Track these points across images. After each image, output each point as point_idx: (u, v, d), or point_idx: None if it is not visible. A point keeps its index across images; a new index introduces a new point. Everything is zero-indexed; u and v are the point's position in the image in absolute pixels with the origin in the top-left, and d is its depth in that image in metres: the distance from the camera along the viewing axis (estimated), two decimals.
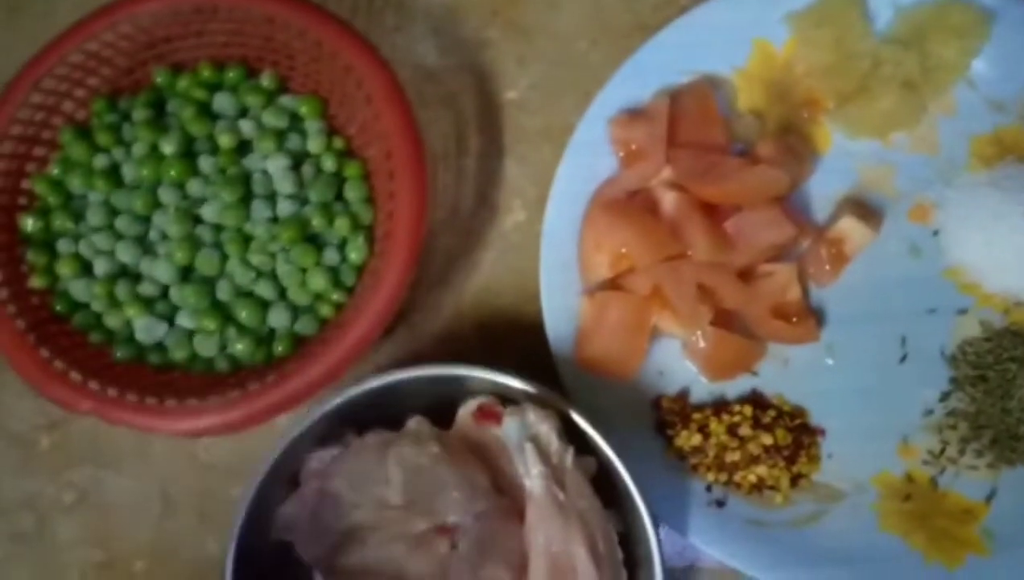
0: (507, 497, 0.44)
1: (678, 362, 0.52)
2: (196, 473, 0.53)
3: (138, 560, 0.53)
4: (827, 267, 0.51)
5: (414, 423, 0.46)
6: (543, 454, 0.44)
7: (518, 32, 0.59)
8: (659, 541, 0.43)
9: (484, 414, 0.46)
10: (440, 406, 0.47)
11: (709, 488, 0.50)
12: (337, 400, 0.46)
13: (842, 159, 0.53)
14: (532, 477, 0.44)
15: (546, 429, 0.45)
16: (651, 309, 0.49)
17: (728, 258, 0.49)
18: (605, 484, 0.45)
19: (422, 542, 0.42)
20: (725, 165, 0.49)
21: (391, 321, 0.48)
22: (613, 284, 0.51)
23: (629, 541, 0.45)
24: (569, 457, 0.45)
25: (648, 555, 0.44)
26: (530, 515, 0.43)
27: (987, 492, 0.49)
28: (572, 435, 0.46)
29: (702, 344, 0.50)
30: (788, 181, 0.49)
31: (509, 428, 0.45)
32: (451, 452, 0.45)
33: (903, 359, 0.51)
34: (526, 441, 0.44)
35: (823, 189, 0.53)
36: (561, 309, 0.51)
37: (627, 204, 0.50)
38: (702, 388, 0.51)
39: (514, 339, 0.54)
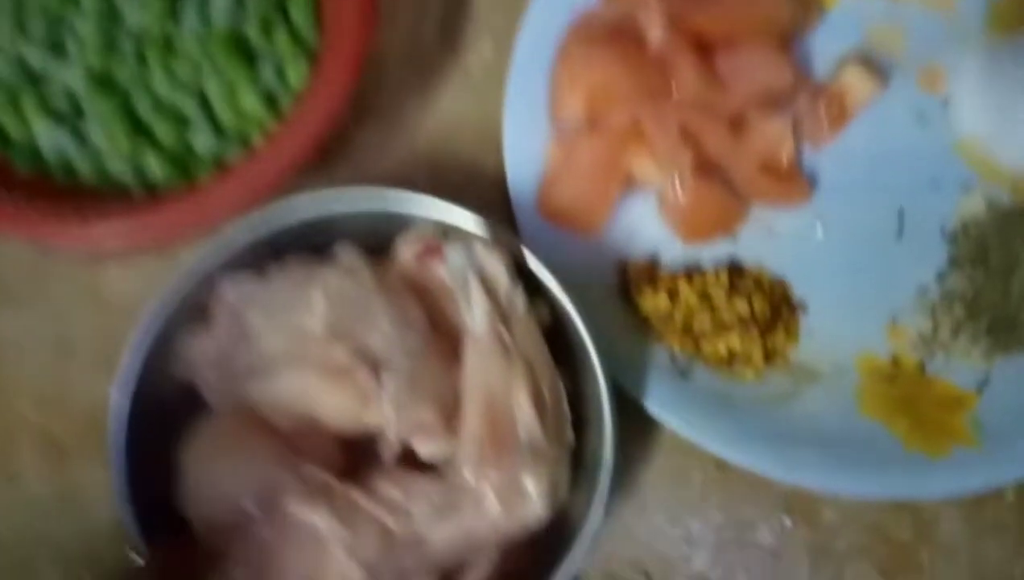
0: (446, 338, 0.39)
1: (651, 223, 0.46)
2: (98, 311, 0.47)
3: (27, 402, 0.46)
4: (825, 125, 0.46)
5: (345, 253, 0.40)
6: (490, 292, 0.39)
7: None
8: (612, 401, 0.38)
9: (426, 249, 0.41)
10: (377, 242, 0.41)
11: (674, 357, 0.45)
12: (257, 224, 0.40)
13: (848, 14, 0.48)
14: (475, 314, 0.38)
15: (495, 265, 0.39)
16: (626, 148, 0.43)
17: (718, 100, 0.44)
18: (558, 339, 0.40)
19: (342, 375, 0.37)
20: None
21: (325, 146, 0.42)
22: (586, 127, 0.45)
23: (579, 402, 0.40)
24: (519, 299, 0.39)
25: (599, 416, 0.39)
26: (469, 356, 0.38)
27: (979, 381, 0.44)
28: (526, 284, 0.40)
29: (679, 194, 0.44)
30: (790, 14, 0.43)
31: (453, 261, 0.39)
32: (385, 285, 0.39)
33: (899, 234, 0.46)
34: (471, 274, 0.38)
35: (825, 46, 0.47)
36: (525, 154, 0.46)
37: (607, 36, 0.44)
38: (675, 253, 0.46)
39: (471, 189, 0.48)
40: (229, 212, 0.41)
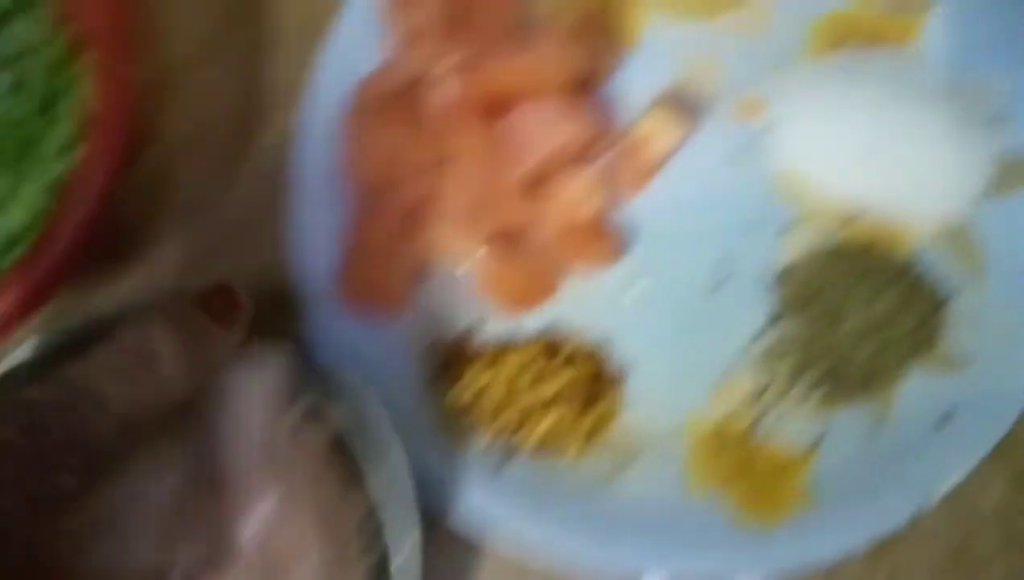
0: (207, 464, 0.36)
1: (461, 298, 0.43)
2: None
3: None
4: (633, 175, 0.43)
5: None
6: (261, 407, 0.36)
7: None
8: (418, 510, 0.36)
9: None
10: None
11: (489, 448, 0.42)
12: None
13: (659, 47, 0.44)
14: (239, 437, 0.35)
15: (266, 377, 0.36)
16: (419, 223, 0.40)
17: (508, 164, 0.41)
18: (352, 447, 0.38)
19: None
20: (504, 47, 0.40)
21: (111, 245, 0.41)
22: (376, 200, 0.42)
23: (382, 520, 0.38)
24: (295, 413, 0.37)
25: (405, 525, 0.36)
26: (235, 485, 0.35)
27: (815, 436, 0.42)
28: (311, 387, 0.38)
29: (479, 269, 0.41)
30: (579, 65, 0.40)
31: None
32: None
33: (722, 282, 0.43)
34: (235, 393, 0.36)
35: (636, 85, 0.44)
36: (315, 235, 0.43)
37: (391, 102, 0.41)
38: (489, 328, 0.43)
39: (273, 277, 0.45)
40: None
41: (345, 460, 0.37)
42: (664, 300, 0.43)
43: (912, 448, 0.41)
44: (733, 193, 0.43)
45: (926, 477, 0.40)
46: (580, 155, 0.42)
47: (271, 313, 0.41)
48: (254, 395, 0.35)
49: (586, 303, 0.43)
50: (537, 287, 0.43)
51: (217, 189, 0.46)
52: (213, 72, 0.47)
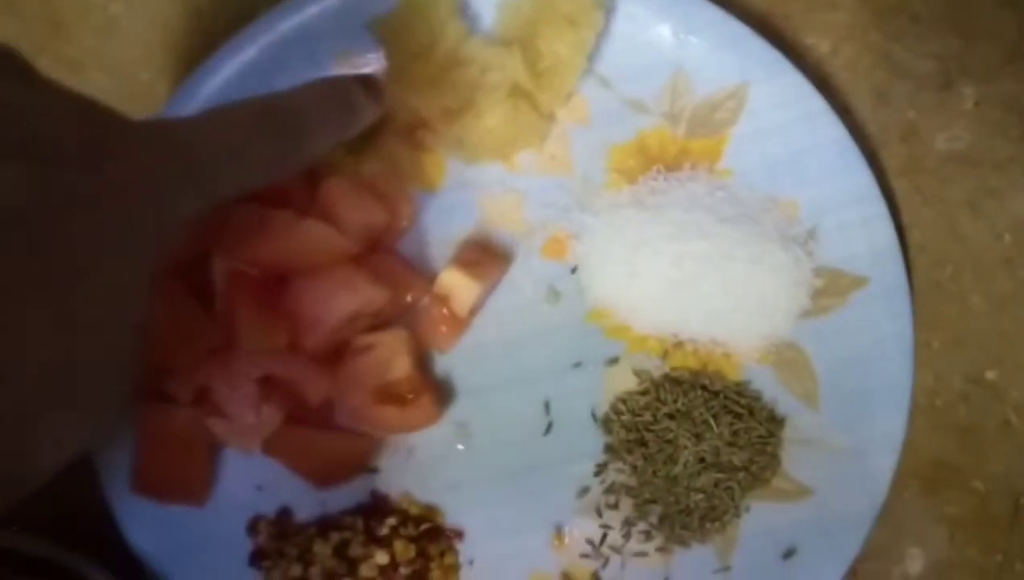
0: None
1: (280, 472, 0.41)
2: None
3: None
4: (443, 329, 0.41)
5: None
6: None
7: (70, 67, 0.46)
8: None
9: None
10: None
11: None
12: None
13: (460, 191, 0.43)
14: None
15: None
16: (202, 420, 0.38)
17: (301, 339, 0.38)
18: None
19: None
20: (273, 222, 0.38)
21: None
22: (165, 385, 0.39)
23: None
24: None
25: None
26: None
27: None
28: None
29: (280, 448, 0.39)
30: (350, 233, 0.38)
31: None
32: None
33: (548, 429, 0.41)
34: None
35: (441, 230, 0.43)
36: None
37: (162, 286, 0.39)
38: (311, 500, 0.41)
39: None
40: None
41: None
42: (492, 452, 0.41)
43: None
44: (551, 331, 0.42)
45: None
46: (382, 315, 0.40)
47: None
48: None
49: (412, 466, 0.41)
50: (352, 456, 0.40)
51: None
52: None
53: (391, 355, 0.40)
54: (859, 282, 0.41)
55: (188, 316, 0.38)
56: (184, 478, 0.39)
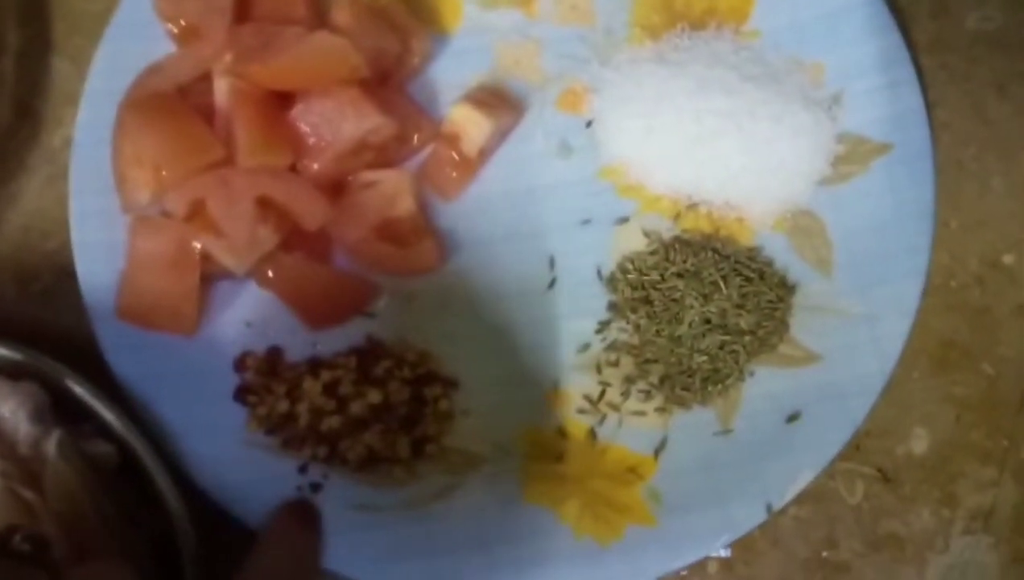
0: None
1: (273, 309, 0.39)
2: None
3: None
4: (451, 173, 0.40)
5: None
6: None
7: None
8: (196, 546, 0.34)
9: None
10: None
11: (305, 468, 0.38)
12: None
13: (476, 36, 0.42)
14: None
15: (9, 408, 0.32)
16: (194, 236, 0.36)
17: (303, 161, 0.37)
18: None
19: None
20: (283, 37, 0.36)
21: None
22: (156, 210, 0.38)
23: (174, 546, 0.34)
24: (51, 444, 0.32)
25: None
26: None
27: (655, 443, 0.39)
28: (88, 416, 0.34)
29: (278, 279, 0.37)
30: (361, 53, 0.36)
31: None
32: None
33: (552, 284, 0.40)
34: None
35: (452, 75, 0.41)
36: (99, 247, 0.38)
37: (164, 100, 0.37)
38: (301, 341, 0.39)
39: (66, 291, 0.40)
40: None
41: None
42: (493, 304, 0.40)
43: (760, 450, 0.38)
44: (562, 186, 0.41)
45: (776, 478, 0.38)
46: (387, 154, 0.39)
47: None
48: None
49: (410, 312, 0.40)
50: (349, 296, 0.39)
51: (1, 196, 0.41)
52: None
53: (395, 192, 0.39)
54: (882, 149, 0.40)
55: (190, 129, 0.36)
56: (171, 304, 0.37)
